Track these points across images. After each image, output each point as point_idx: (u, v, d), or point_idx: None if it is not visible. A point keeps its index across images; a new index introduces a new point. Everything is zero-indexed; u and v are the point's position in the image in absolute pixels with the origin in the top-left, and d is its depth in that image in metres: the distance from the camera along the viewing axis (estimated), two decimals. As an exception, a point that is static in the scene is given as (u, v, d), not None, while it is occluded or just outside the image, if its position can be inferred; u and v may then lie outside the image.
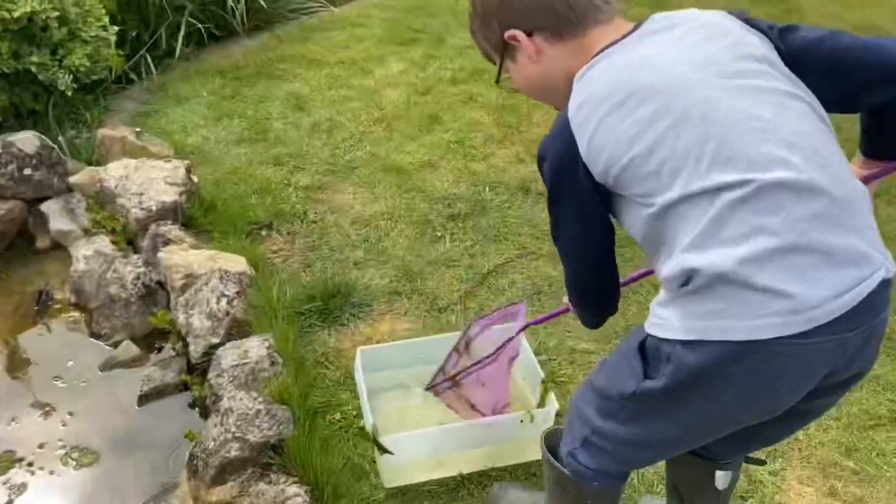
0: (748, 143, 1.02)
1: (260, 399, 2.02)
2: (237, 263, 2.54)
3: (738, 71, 1.07)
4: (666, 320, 1.09)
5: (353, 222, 2.98)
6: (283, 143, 3.48)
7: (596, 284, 1.29)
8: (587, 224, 1.19)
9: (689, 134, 1.03)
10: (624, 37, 1.13)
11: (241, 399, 2.01)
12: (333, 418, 2.12)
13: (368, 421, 1.94)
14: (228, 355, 2.20)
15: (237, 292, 2.40)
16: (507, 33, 1.17)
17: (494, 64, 1.25)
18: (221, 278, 2.41)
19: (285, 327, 2.33)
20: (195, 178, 2.97)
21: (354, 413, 2.13)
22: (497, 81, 1.26)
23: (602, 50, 1.12)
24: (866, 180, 1.26)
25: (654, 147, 1.05)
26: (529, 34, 1.16)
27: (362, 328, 2.48)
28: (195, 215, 2.84)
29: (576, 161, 1.11)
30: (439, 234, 2.89)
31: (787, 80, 1.10)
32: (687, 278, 1.05)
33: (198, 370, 2.31)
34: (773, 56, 1.12)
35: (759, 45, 1.12)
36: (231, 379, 2.13)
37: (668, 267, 1.09)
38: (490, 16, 1.20)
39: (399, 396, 2.19)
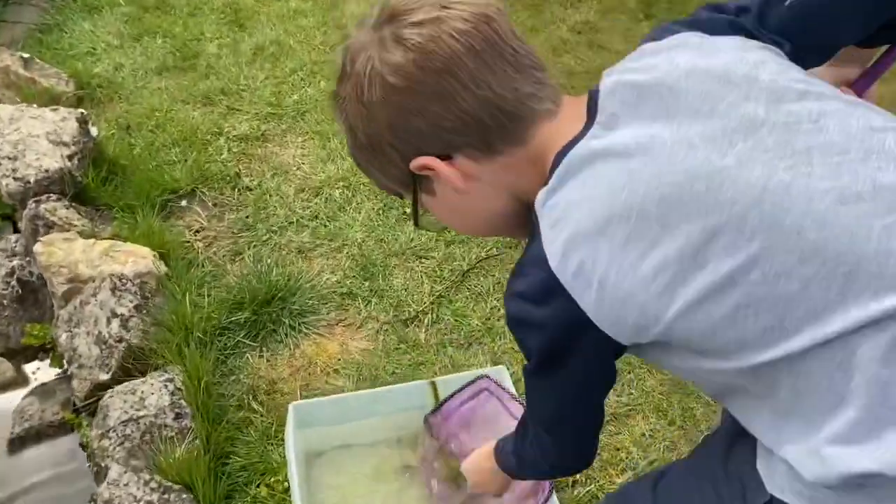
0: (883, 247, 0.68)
1: (153, 483, 1.47)
2: (140, 260, 1.94)
3: (806, 130, 0.74)
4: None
5: (300, 190, 2.35)
6: (217, 73, 2.79)
7: (581, 448, 1.02)
8: (589, 386, 0.89)
9: (788, 254, 0.70)
10: (587, 127, 0.79)
11: (125, 485, 1.46)
12: (257, 495, 1.59)
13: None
14: (118, 404, 1.64)
15: (136, 307, 1.81)
16: (415, 163, 0.83)
17: (401, 198, 0.91)
18: (115, 288, 1.81)
19: (199, 359, 1.76)
20: (94, 131, 2.31)
21: (286, 486, 1.60)
22: (416, 224, 0.92)
23: (561, 153, 0.78)
24: (859, 89, 1.02)
25: (728, 285, 0.71)
26: (447, 157, 0.82)
27: (305, 347, 1.92)
28: (91, 185, 2.20)
29: (580, 324, 0.77)
30: (408, 210, 2.28)
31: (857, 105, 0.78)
32: (853, 484, 0.72)
33: (85, 410, 1.75)
34: (813, 80, 0.80)
35: (792, 71, 0.81)
36: (120, 441, 1.58)
37: (802, 455, 0.75)
38: (382, 145, 0.83)
39: (345, 464, 1.66)
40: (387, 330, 1.97)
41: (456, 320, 1.99)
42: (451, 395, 1.59)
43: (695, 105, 0.75)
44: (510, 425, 1.52)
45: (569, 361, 0.81)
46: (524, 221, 0.84)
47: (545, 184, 0.78)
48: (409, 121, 0.79)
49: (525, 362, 0.85)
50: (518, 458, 1.16)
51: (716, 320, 0.72)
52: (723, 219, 0.70)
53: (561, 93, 0.84)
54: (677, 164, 0.72)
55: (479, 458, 1.43)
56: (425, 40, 0.76)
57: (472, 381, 1.58)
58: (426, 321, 1.99)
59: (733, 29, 0.86)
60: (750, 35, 0.86)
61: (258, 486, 1.61)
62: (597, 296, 0.73)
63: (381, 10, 0.80)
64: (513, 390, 1.56)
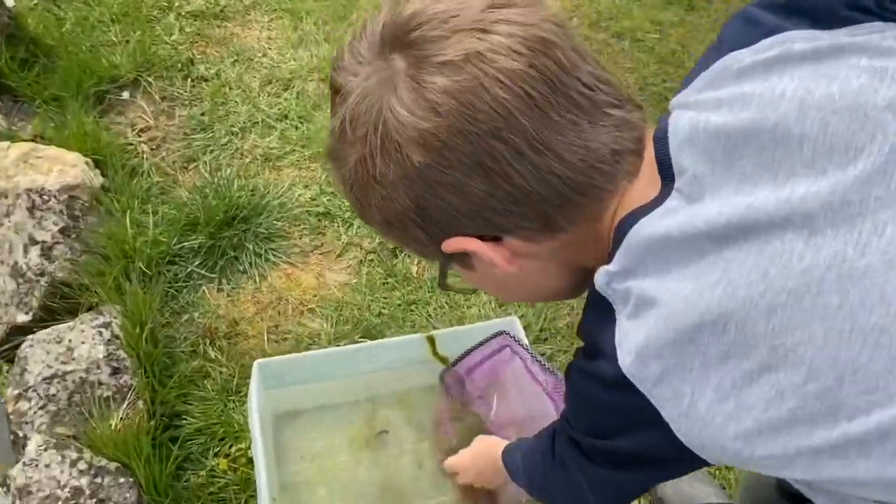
0: None
1: (82, 464, 1.18)
2: (68, 169, 1.57)
3: None
4: None
5: (266, 83, 1.96)
6: (165, -68, 2.31)
7: None
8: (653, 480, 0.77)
9: None
10: (662, 193, 0.60)
11: (46, 466, 1.17)
12: (215, 469, 1.31)
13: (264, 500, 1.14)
14: (39, 356, 1.32)
15: (62, 230, 1.46)
16: (448, 245, 0.64)
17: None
18: (34, 206, 1.46)
19: (142, 296, 1.43)
20: (9, 1, 1.87)
21: (249, 456, 1.32)
22: (442, 287, 0.74)
23: (625, 224, 0.61)
24: None
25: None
26: (495, 239, 0.63)
27: (273, 280, 1.60)
28: (6, 70, 1.79)
29: (660, 435, 0.61)
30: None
31: None
32: None
33: (2, 357, 1.44)
34: None
35: None
36: (41, 404, 1.28)
37: None
38: (404, 223, 0.64)
39: (321, 428, 1.37)
40: (372, 260, 1.65)
41: (454, 250, 1.68)
42: (471, 350, 1.31)
43: (816, 161, 0.54)
44: (535, 390, 1.25)
45: (638, 462, 0.70)
46: (582, 285, 0.72)
47: (609, 255, 0.63)
48: (442, 199, 0.60)
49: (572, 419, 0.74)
50: (532, 483, 0.96)
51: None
52: (865, 353, 0.51)
53: (645, 132, 0.64)
54: (792, 261, 0.53)
55: (475, 463, 1.17)
56: (462, 94, 0.56)
57: (492, 337, 1.29)
58: (418, 249, 1.67)
59: (855, 9, 0.59)
60: (880, 16, 0.58)
61: (216, 455, 1.33)
62: (685, 415, 0.59)
63: (392, 26, 0.59)
64: (530, 348, 1.28)
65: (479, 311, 1.57)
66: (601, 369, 0.63)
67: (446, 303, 1.58)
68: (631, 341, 0.59)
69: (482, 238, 0.63)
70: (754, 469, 0.61)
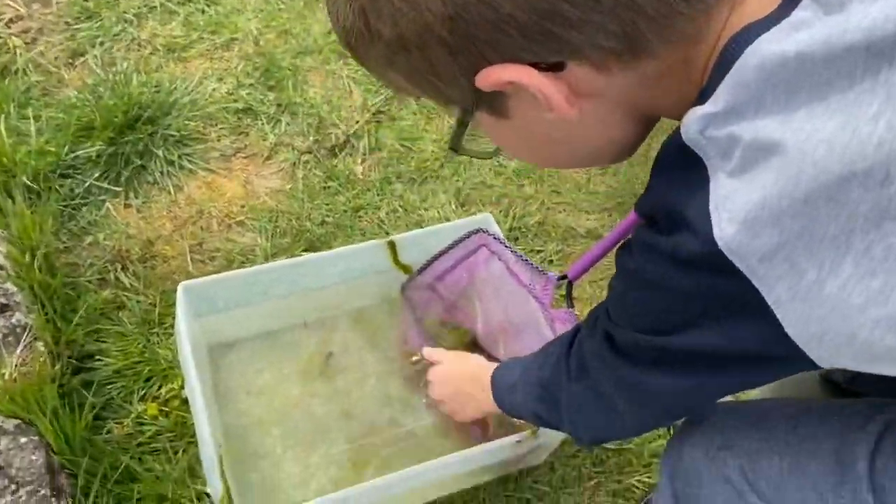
0: None
1: (-30, 424, 0.95)
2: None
3: None
4: None
5: (161, -41, 1.64)
6: None
7: (642, 429, 0.74)
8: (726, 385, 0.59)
9: None
10: (785, 4, 0.45)
11: (-77, 430, 0.93)
12: (142, 416, 1.09)
13: (211, 470, 0.93)
14: None
15: (-85, 140, 1.16)
16: (488, 77, 0.49)
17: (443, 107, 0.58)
18: None
19: (30, 216, 1.17)
20: None
21: (184, 397, 1.10)
22: (454, 149, 0.58)
23: (735, 45, 0.45)
24: None
25: None
26: (552, 67, 0.48)
27: (192, 190, 1.35)
28: None
29: (753, 326, 0.49)
30: None
31: None
32: None
33: None
34: None
35: None
36: (-89, 355, 1.02)
37: None
38: (427, 44, 0.48)
39: (266, 358, 1.17)
40: (307, 162, 1.41)
41: (403, 146, 1.46)
42: (440, 254, 1.11)
43: None
44: (518, 293, 1.07)
45: (707, 358, 0.55)
46: (639, 143, 0.60)
47: (701, 94, 0.48)
48: (490, 7, 0.44)
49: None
50: (540, 397, 0.80)
51: None
52: None
53: None
54: None
55: (458, 375, 1.00)
56: None
57: (466, 237, 1.10)
58: (361, 148, 1.44)
59: None
60: None
61: (142, 399, 1.11)
62: (803, 299, 0.45)
63: None
64: (510, 245, 1.09)
65: (439, 213, 1.37)
66: (680, 244, 0.49)
67: (400, 206, 1.37)
68: (735, 205, 0.45)
69: (536, 66, 0.48)
70: (871, 370, 0.48)
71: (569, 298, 1.02)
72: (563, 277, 1.02)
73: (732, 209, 0.44)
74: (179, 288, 1.05)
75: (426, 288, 1.18)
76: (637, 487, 1.12)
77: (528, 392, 0.81)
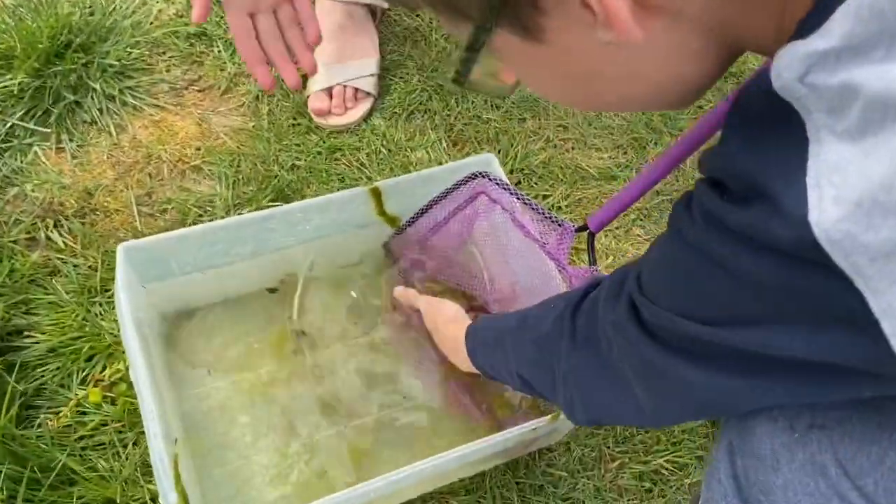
0: None
1: None
2: None
3: None
4: None
5: None
6: None
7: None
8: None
9: None
10: None
11: None
12: (83, 404, 0.91)
13: (162, 475, 0.76)
14: None
15: None
16: None
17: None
18: None
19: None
20: None
21: (128, 386, 0.92)
22: (458, 81, 0.45)
23: None
24: None
25: None
26: None
27: (138, 131, 1.15)
28: None
29: (843, 337, 0.37)
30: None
31: None
32: None
33: None
34: None
35: None
36: None
37: None
38: None
39: (231, 332, 0.99)
40: (273, 96, 1.21)
41: (386, 76, 1.25)
42: (431, 204, 0.93)
43: None
44: (528, 249, 0.90)
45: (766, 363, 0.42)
46: (707, 87, 0.46)
47: (802, 24, 0.35)
48: None
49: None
50: (532, 360, 0.67)
51: None
52: None
53: None
54: None
55: (443, 318, 0.85)
56: None
57: (463, 182, 0.91)
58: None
59: None
60: None
61: (82, 383, 0.93)
62: None
63: None
64: (517, 191, 0.91)
65: (428, 153, 1.18)
66: (759, 223, 0.37)
67: (383, 146, 1.18)
68: (846, 181, 0.33)
69: None
70: None
71: (591, 254, 0.85)
72: (583, 228, 0.85)
73: (841, 186, 0.33)
74: (119, 249, 0.86)
75: (416, 244, 1.00)
76: (665, 468, 0.97)
77: (517, 352, 0.66)
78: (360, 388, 0.96)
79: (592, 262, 0.84)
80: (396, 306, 1.00)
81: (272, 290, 1.01)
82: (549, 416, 0.81)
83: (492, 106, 1.24)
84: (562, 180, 1.18)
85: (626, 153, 1.22)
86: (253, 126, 1.17)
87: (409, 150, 1.18)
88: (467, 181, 0.92)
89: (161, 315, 0.96)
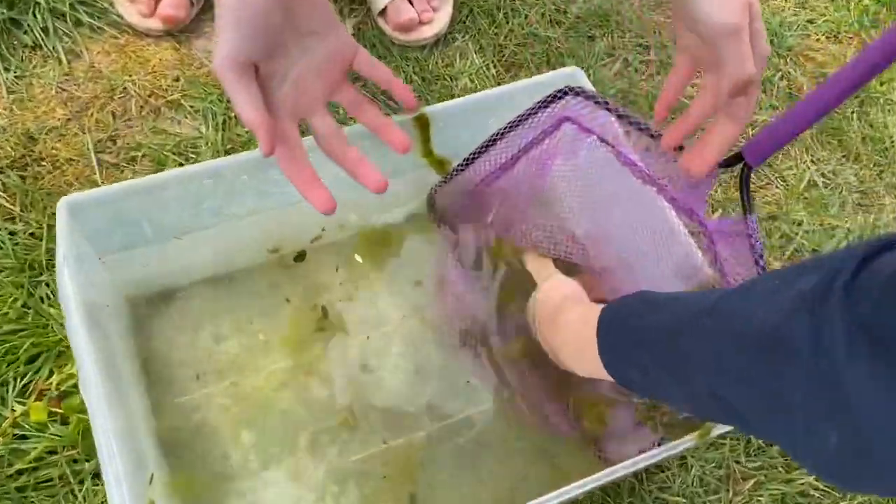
0: None
1: None
2: None
3: None
4: None
5: None
6: None
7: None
8: None
9: None
10: None
11: None
12: (23, 424, 0.66)
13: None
14: None
15: None
16: None
17: None
18: None
19: None
20: None
21: (82, 403, 0.66)
22: None
23: None
24: None
25: None
26: None
27: (95, 57, 0.88)
28: None
29: None
30: None
31: None
32: None
33: None
34: None
35: None
36: None
37: None
38: None
39: (227, 326, 0.73)
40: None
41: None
42: (495, 138, 0.67)
43: None
44: (641, 195, 0.64)
45: None
46: None
47: None
48: None
49: None
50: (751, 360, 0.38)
51: None
52: None
53: None
54: None
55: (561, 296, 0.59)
56: None
57: (543, 106, 0.64)
58: (351, -12, 0.97)
59: None
60: None
61: (23, 394, 0.67)
62: None
63: None
64: (627, 113, 0.64)
65: (474, 82, 0.91)
66: None
67: (415, 73, 0.91)
68: None
69: None
70: None
71: (745, 197, 0.59)
72: (732, 162, 0.59)
73: None
74: (61, 205, 0.60)
75: (472, 196, 0.74)
76: (816, 489, 0.73)
77: (706, 359, 0.40)
78: (403, 391, 0.71)
79: (748, 209, 0.58)
80: (445, 283, 0.75)
81: (280, 261, 0.75)
82: (697, 433, 0.56)
83: (551, 21, 0.98)
84: (646, 115, 0.92)
85: (725, 78, 0.96)
86: (247, 50, 0.90)
87: (448, 78, 0.92)
88: (548, 103, 0.66)
89: (128, 299, 0.70)
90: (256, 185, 0.67)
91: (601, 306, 0.53)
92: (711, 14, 0.49)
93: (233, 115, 0.85)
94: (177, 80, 0.88)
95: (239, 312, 0.72)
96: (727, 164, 0.59)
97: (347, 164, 0.57)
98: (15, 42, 0.86)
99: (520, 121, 0.67)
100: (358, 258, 0.76)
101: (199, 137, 0.84)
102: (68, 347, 0.68)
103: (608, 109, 0.63)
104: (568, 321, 0.57)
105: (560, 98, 0.65)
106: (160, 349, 0.70)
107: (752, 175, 0.89)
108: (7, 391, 0.67)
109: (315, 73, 0.55)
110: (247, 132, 0.84)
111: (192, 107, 0.86)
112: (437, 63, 0.93)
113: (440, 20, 0.94)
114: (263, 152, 0.51)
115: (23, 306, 0.71)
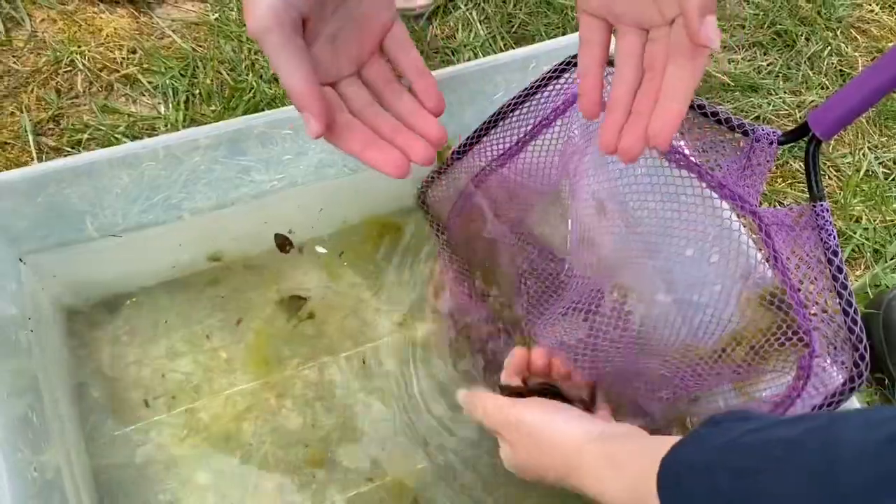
0: None
1: None
2: None
3: None
4: None
5: None
6: None
7: None
8: None
9: None
10: None
11: None
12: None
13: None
14: None
15: None
16: None
17: None
18: None
19: None
20: None
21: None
22: None
23: None
24: None
25: None
26: None
27: (35, 23, 0.76)
28: None
29: None
30: None
31: None
32: None
33: None
34: None
35: None
36: None
37: None
38: None
39: (183, 339, 0.61)
40: (241, -25, 0.81)
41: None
42: (502, 113, 0.55)
43: None
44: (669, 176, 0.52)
45: None
46: None
47: None
48: None
49: None
50: None
51: None
52: None
53: None
54: None
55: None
56: None
57: (552, 76, 0.53)
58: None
59: None
60: None
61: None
62: None
63: None
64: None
65: (477, 56, 0.79)
66: None
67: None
68: None
69: None
70: None
71: (814, 178, 0.46)
72: (796, 135, 0.46)
73: None
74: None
75: (471, 195, 0.62)
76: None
77: None
78: (391, 418, 0.59)
79: (817, 194, 0.46)
80: (440, 294, 0.63)
81: (245, 263, 0.63)
82: None
83: (564, -12, 0.86)
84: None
85: (766, 53, 0.84)
86: (215, 18, 0.79)
87: (448, 51, 0.80)
88: (560, 72, 0.54)
89: (62, 308, 0.58)
90: (222, 172, 0.56)
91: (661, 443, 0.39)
92: None
93: (197, 91, 0.73)
94: (133, 51, 0.76)
95: (196, 324, 0.60)
96: (790, 137, 0.47)
97: (391, 134, 0.44)
98: (-56, 7, 0.74)
99: (527, 95, 0.56)
100: (321, 249, 0.64)
101: (157, 118, 0.72)
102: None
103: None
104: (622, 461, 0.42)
105: (572, 66, 0.53)
106: (101, 368, 0.58)
107: (795, 164, 0.77)
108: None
109: (354, 30, 0.42)
110: (213, 112, 0.72)
111: (150, 82, 0.74)
112: (435, 35, 0.81)
113: (438, -16, 0.82)
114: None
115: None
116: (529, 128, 0.58)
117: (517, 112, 0.57)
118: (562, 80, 0.55)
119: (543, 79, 0.55)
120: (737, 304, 0.53)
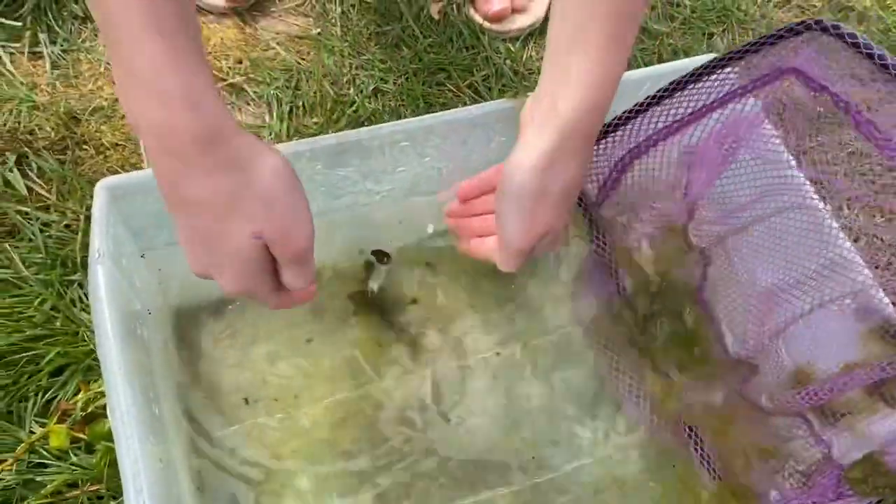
0: None
1: None
2: None
3: None
4: None
5: None
6: None
7: None
8: None
9: None
10: None
11: None
12: (41, 450, 0.55)
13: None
14: None
15: None
16: None
17: None
18: None
19: None
20: None
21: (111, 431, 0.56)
22: None
23: None
24: None
25: None
26: None
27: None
28: None
29: None
30: None
31: None
32: None
33: None
34: None
35: None
36: None
37: None
38: None
39: (285, 344, 0.61)
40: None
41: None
42: (631, 115, 0.54)
43: None
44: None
45: None
46: None
47: None
48: None
49: None
50: None
51: None
52: None
53: None
54: None
55: None
56: None
57: (692, 78, 0.52)
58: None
59: None
60: None
61: (44, 414, 0.57)
62: None
63: None
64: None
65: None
66: None
67: (507, 64, 0.80)
68: None
69: None
70: None
71: None
72: None
73: None
74: (99, 189, 0.50)
75: (605, 188, 0.62)
76: None
77: None
78: (493, 436, 0.58)
79: None
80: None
81: (350, 270, 0.64)
82: None
83: (662, 14, 0.86)
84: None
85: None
86: (318, 32, 0.80)
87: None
88: (699, 74, 0.51)
89: (170, 307, 0.59)
90: (328, 177, 0.57)
91: None
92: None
93: (300, 103, 0.75)
94: (239, 62, 0.78)
95: (300, 327, 0.61)
96: None
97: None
98: (64, 12, 0.77)
99: (686, 80, 0.51)
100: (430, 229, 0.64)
101: (262, 126, 0.73)
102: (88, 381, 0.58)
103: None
104: None
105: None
106: (203, 370, 0.59)
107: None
108: (26, 409, 0.57)
109: None
110: (315, 123, 0.74)
111: (255, 92, 0.76)
112: (531, 56, 0.82)
113: (536, 9, 0.83)
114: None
115: (51, 309, 0.61)
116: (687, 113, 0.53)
117: (669, 100, 0.53)
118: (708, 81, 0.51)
119: (675, 84, 0.52)
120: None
